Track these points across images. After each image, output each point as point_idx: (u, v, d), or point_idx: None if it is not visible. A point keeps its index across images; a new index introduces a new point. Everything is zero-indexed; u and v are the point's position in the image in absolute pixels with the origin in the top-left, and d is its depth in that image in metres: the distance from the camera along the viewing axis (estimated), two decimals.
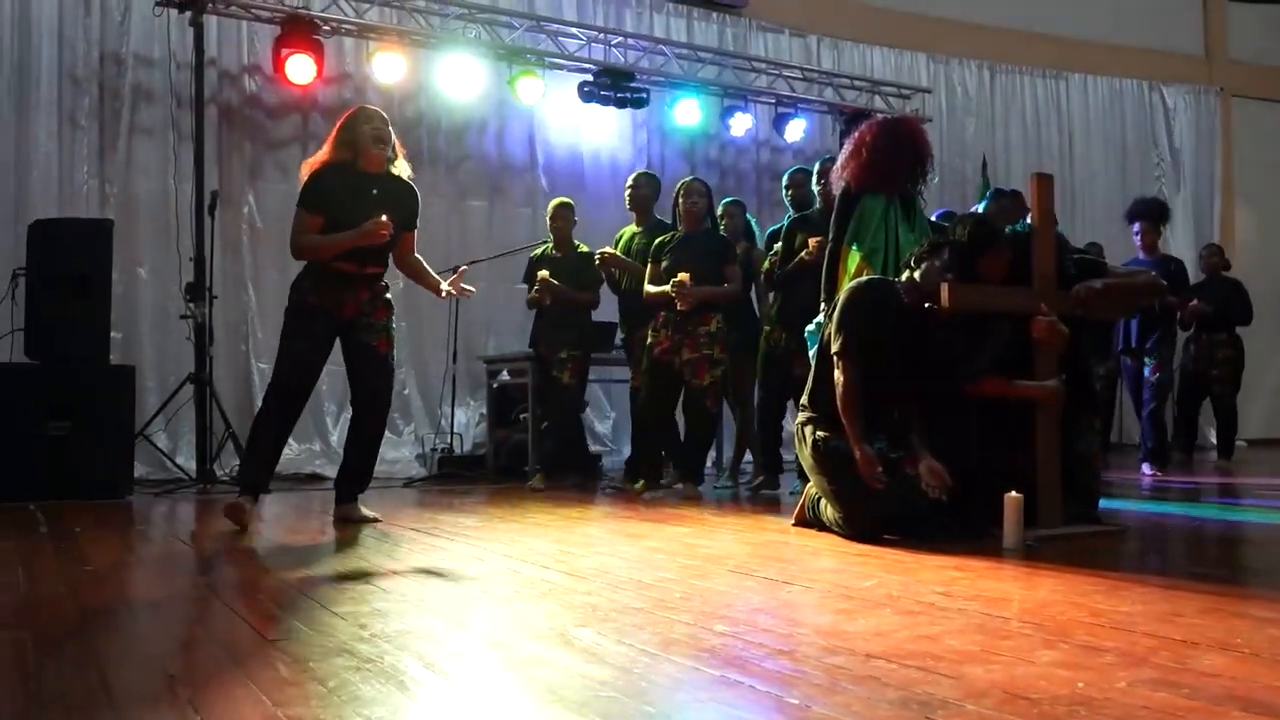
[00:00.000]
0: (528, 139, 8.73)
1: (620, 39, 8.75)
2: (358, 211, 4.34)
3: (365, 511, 4.56)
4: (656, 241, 6.03)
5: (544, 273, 6.30)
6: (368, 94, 7.90)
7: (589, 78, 8.40)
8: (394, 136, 4.59)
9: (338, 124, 4.57)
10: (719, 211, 6.71)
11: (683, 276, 5.63)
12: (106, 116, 7.24)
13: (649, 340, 5.88)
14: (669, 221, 6.32)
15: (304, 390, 4.49)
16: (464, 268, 4.91)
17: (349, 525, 4.43)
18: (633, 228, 6.67)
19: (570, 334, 6.38)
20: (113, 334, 6.29)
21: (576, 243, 6.61)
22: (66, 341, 5.78)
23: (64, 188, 7.07)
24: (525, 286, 6.71)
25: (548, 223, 6.63)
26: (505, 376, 7.26)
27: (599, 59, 8.54)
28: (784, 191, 6.48)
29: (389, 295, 4.62)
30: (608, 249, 6.47)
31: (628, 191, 6.70)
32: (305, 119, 7.82)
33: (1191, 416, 8.18)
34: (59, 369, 5.73)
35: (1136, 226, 7.33)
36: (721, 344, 5.79)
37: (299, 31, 7.24)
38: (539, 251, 6.66)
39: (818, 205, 5.77)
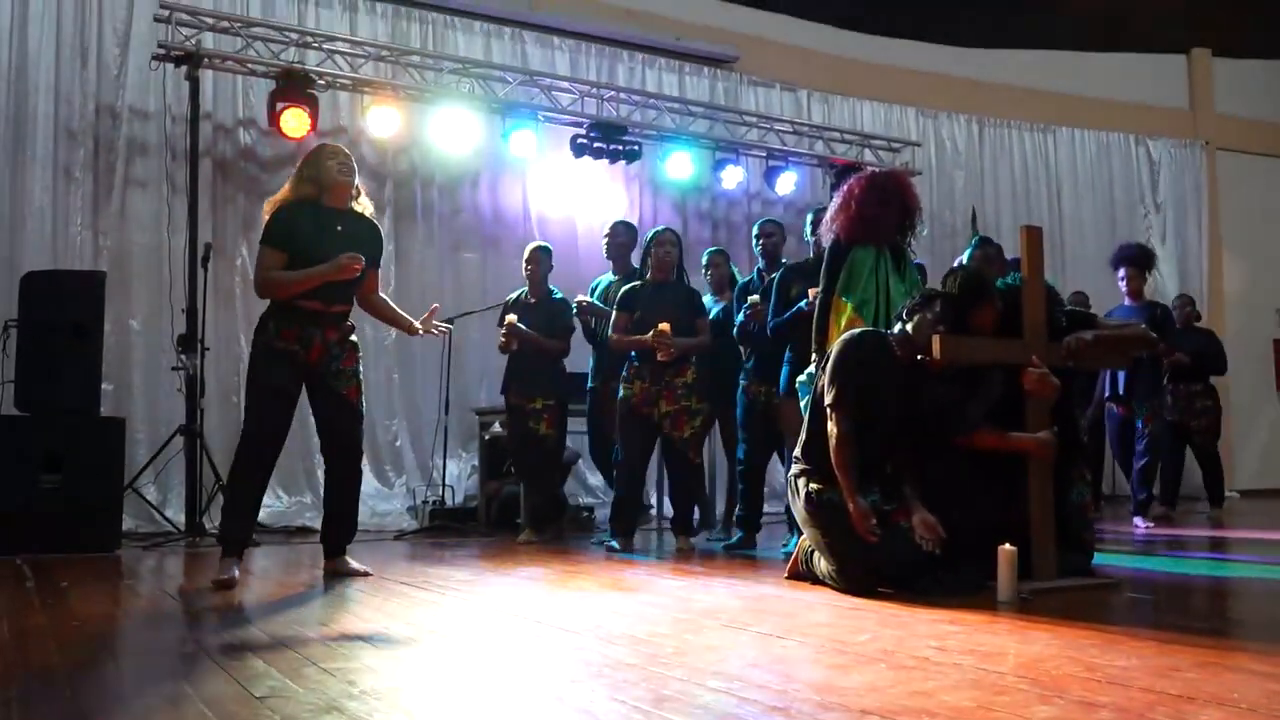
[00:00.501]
0: (521, 192, 8.79)
1: (613, 93, 8.85)
2: (324, 247, 4.26)
3: (354, 565, 4.48)
4: (624, 289, 5.97)
5: (511, 317, 6.20)
6: (362, 147, 7.98)
7: (582, 131, 8.47)
8: (355, 174, 4.53)
9: (300, 161, 4.53)
10: (704, 261, 6.75)
11: (664, 326, 5.57)
12: (101, 169, 7.27)
13: (622, 392, 5.79)
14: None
15: (279, 438, 4.36)
16: (436, 306, 4.83)
17: (339, 579, 4.36)
18: (609, 276, 6.68)
19: (543, 383, 6.26)
20: (104, 385, 6.28)
21: (552, 288, 6.50)
22: (57, 393, 5.76)
23: (58, 240, 7.08)
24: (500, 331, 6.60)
25: (523, 267, 6.51)
26: (497, 428, 7.23)
27: (592, 113, 8.62)
28: (754, 242, 6.42)
29: (355, 337, 4.51)
30: (584, 297, 6.48)
31: (605, 240, 6.73)
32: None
33: (1176, 468, 8.06)
34: (49, 421, 5.70)
35: (1121, 272, 7.28)
36: (699, 394, 5.76)
37: (294, 86, 7.30)
38: (514, 296, 6.56)
39: (810, 255, 5.72)
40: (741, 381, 5.97)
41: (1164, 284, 11.50)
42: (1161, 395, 7.47)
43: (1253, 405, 11.72)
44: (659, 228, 6.21)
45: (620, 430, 5.87)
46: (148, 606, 3.86)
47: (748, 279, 6.24)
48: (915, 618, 3.22)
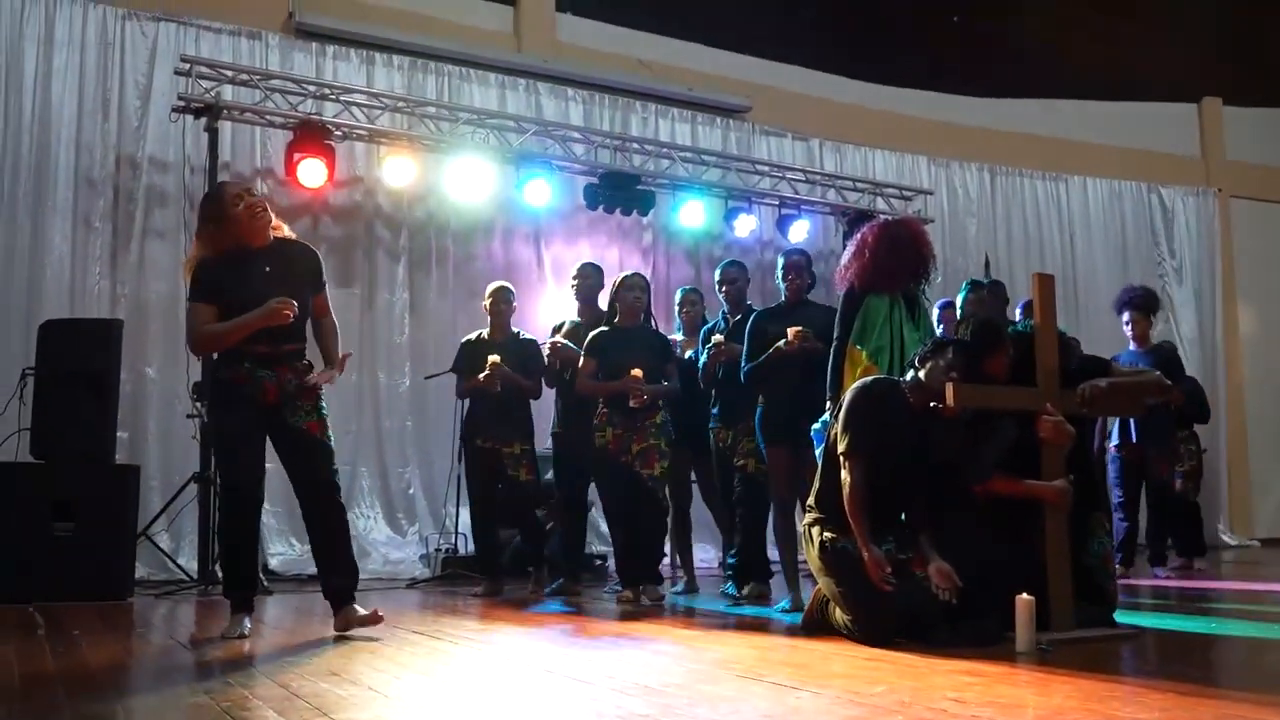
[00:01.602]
0: (534, 241, 8.85)
1: (626, 143, 8.92)
2: (254, 293, 3.99)
3: (362, 611, 4.12)
4: (592, 334, 5.81)
5: (495, 357, 5.88)
6: (378, 196, 8.08)
7: (595, 181, 8.53)
8: (267, 209, 4.21)
9: (201, 209, 4.24)
10: (678, 299, 6.60)
11: (636, 372, 5.45)
12: (120, 218, 7.36)
13: (596, 441, 5.62)
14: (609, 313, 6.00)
15: (257, 480, 4.12)
16: (348, 353, 4.44)
17: (350, 627, 4.07)
18: (575, 318, 6.43)
19: (516, 426, 6.03)
20: (119, 433, 6.30)
21: (517, 330, 6.33)
22: (72, 441, 5.79)
23: (76, 288, 7.15)
24: (459, 374, 6.30)
25: (486, 306, 6.29)
26: None
27: (605, 163, 8.69)
28: (718, 288, 6.11)
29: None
30: (559, 338, 6.22)
31: (576, 282, 6.50)
32: (316, 221, 7.94)
33: (1162, 519, 7.49)
34: (64, 468, 5.72)
35: (1126, 316, 7.09)
36: (667, 437, 5.62)
37: (311, 136, 7.39)
38: (473, 337, 6.31)
39: (784, 299, 5.51)
40: (711, 426, 5.80)
41: (1180, 331, 11.48)
42: (1173, 442, 7.21)
43: (1271, 452, 11.61)
44: (626, 272, 6.06)
45: (599, 479, 5.85)
46: (159, 655, 3.84)
47: (712, 323, 6.06)
48: (932, 669, 3.17)
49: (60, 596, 5.36)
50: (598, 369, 5.67)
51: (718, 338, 5.64)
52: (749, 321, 5.50)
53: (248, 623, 4.11)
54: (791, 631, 4.20)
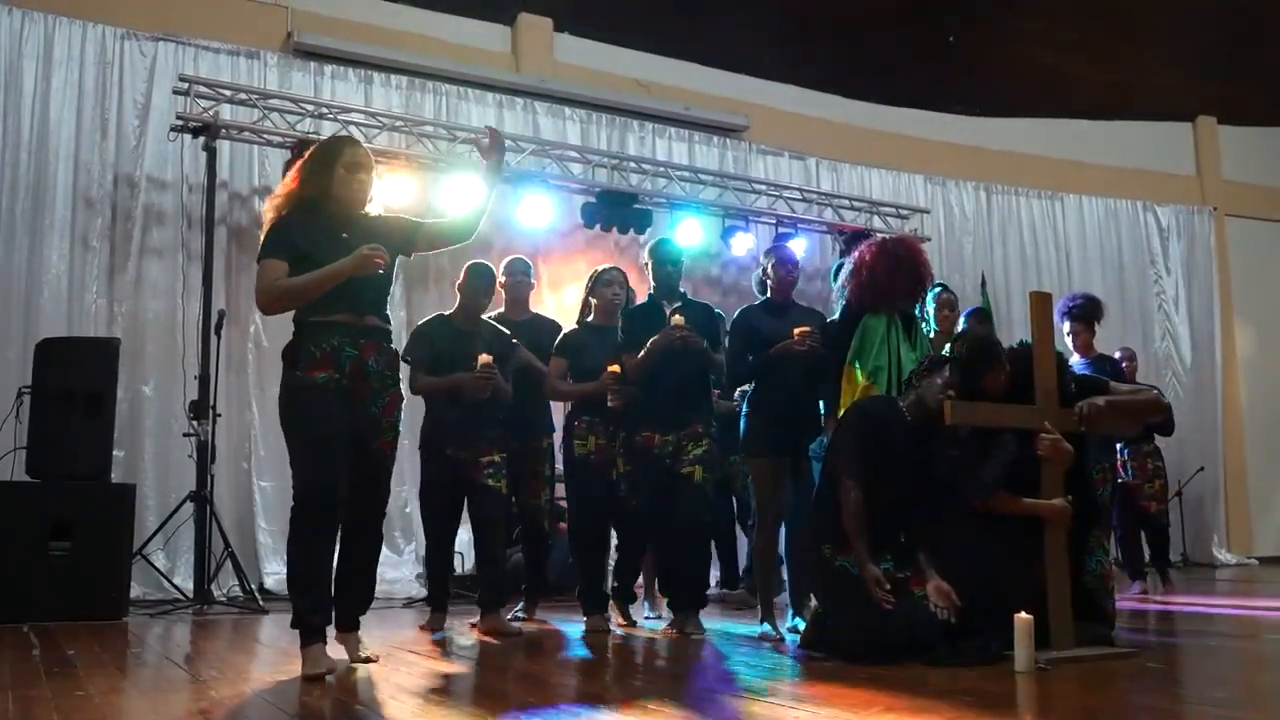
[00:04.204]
0: (532, 258, 8.82)
1: (623, 162, 8.95)
2: (333, 257, 3.60)
3: (365, 650, 3.83)
4: (563, 334, 5.33)
5: (486, 356, 4.87)
6: None
7: (593, 199, 8.55)
8: (372, 175, 3.86)
9: (307, 155, 3.89)
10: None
11: (615, 369, 4.87)
12: (118, 237, 7.36)
13: (576, 450, 5.11)
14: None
15: (339, 491, 3.57)
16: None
17: (347, 657, 3.79)
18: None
19: (494, 432, 5.05)
20: (115, 452, 6.28)
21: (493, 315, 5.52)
22: (69, 460, 5.77)
23: (73, 307, 7.15)
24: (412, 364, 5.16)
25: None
26: None
27: (603, 182, 8.71)
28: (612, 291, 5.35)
29: (396, 372, 3.87)
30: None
31: (516, 279, 5.73)
32: None
33: (1136, 535, 7.25)
34: (59, 487, 5.69)
35: (1068, 327, 6.49)
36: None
37: None
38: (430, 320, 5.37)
39: (771, 296, 5.08)
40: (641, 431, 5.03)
41: (1177, 350, 11.50)
42: (1113, 456, 6.85)
43: (1270, 471, 11.61)
44: (603, 266, 5.52)
45: (574, 490, 5.22)
46: (154, 676, 3.82)
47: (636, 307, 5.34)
48: (931, 688, 3.16)
49: (55, 616, 5.33)
50: (567, 371, 5.17)
51: (679, 319, 4.77)
52: (735, 318, 5.08)
53: (330, 657, 3.59)
54: (791, 651, 4.18)
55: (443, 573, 5.25)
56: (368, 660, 3.77)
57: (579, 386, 5.12)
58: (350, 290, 3.62)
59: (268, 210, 3.81)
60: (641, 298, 5.42)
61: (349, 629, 3.86)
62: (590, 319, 5.28)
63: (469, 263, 5.30)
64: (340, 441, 3.58)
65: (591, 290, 5.32)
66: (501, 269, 5.61)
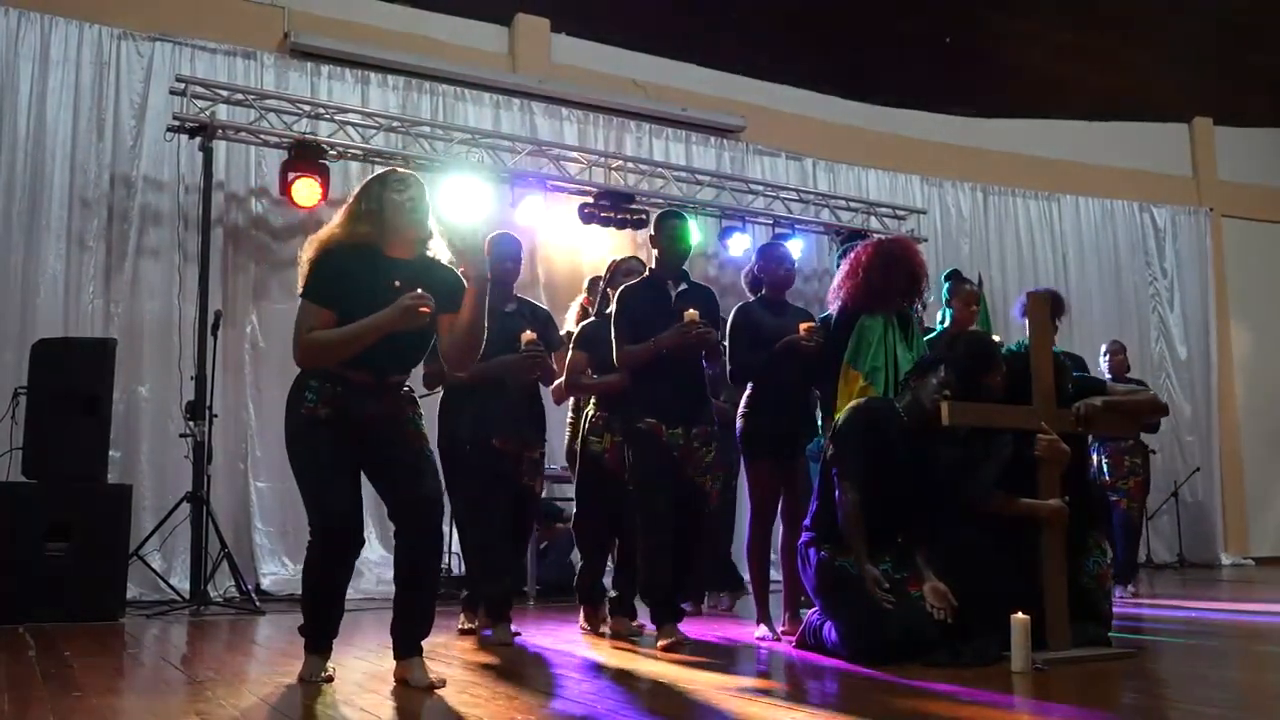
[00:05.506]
0: (530, 258, 8.83)
1: (621, 163, 8.95)
2: (378, 306, 3.23)
3: (430, 675, 3.35)
4: (581, 325, 5.12)
5: (529, 335, 4.50)
6: None
7: (589, 199, 8.55)
8: (429, 214, 3.45)
9: (357, 191, 3.51)
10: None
11: (693, 312, 4.46)
12: (114, 238, 7.34)
13: (593, 447, 4.93)
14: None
15: (353, 518, 3.38)
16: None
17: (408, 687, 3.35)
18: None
19: (538, 426, 4.83)
20: (112, 452, 6.27)
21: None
22: (65, 461, 5.76)
23: (69, 307, 7.13)
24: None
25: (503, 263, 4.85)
26: None
27: (600, 182, 8.71)
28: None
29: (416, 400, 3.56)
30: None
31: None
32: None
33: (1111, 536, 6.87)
34: (56, 488, 5.68)
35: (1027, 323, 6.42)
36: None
37: (306, 156, 7.39)
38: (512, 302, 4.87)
39: (766, 292, 4.98)
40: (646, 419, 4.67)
41: (1173, 350, 11.51)
42: (1115, 456, 6.79)
43: (1268, 472, 11.62)
44: (622, 256, 5.34)
45: (585, 489, 5.02)
46: (150, 677, 3.82)
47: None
48: (928, 689, 3.16)
49: (52, 617, 5.32)
50: (587, 366, 4.93)
51: (692, 312, 4.45)
52: (735, 314, 4.88)
53: (328, 666, 3.52)
54: (787, 652, 4.18)
55: (501, 570, 4.70)
56: (433, 687, 3.28)
57: (603, 380, 4.85)
58: (384, 345, 3.26)
59: (309, 245, 3.42)
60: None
61: (410, 654, 3.38)
62: (610, 310, 4.83)
63: (491, 234, 4.75)
64: (345, 473, 3.34)
65: (610, 281, 5.11)
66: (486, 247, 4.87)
